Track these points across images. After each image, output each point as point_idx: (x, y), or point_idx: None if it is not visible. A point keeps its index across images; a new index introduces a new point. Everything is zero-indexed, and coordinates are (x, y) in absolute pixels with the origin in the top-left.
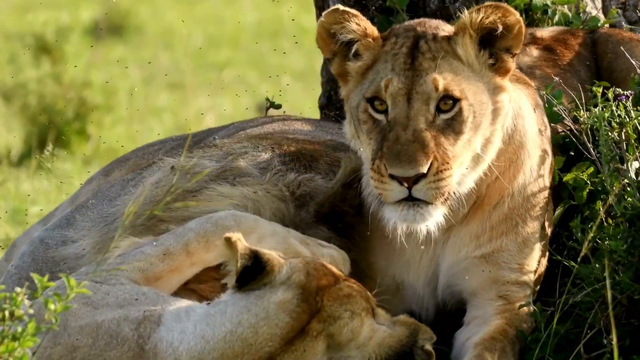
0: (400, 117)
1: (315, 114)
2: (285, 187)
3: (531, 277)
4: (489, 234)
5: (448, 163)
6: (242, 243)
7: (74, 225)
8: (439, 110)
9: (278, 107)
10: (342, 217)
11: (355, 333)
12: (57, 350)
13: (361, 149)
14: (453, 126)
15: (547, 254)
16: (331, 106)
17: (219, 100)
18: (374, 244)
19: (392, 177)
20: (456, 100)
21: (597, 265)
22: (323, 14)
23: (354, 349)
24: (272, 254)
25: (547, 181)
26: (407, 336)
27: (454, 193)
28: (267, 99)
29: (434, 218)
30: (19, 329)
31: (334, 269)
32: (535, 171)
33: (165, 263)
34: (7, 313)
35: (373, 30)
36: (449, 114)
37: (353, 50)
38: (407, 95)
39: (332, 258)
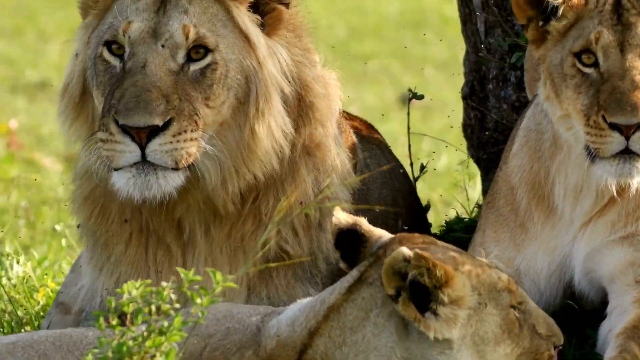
0: (615, 68)
1: (458, 104)
2: None
3: None
4: (624, 220)
5: None
6: None
7: None
8: None
9: (420, 97)
10: None
11: None
12: (191, 340)
13: (558, 110)
14: None
15: None
16: (474, 96)
17: (362, 91)
18: (503, 236)
19: (612, 127)
20: None
21: None
22: None
23: None
24: None
25: None
26: None
27: None
28: (410, 90)
29: None
30: (166, 324)
31: None
32: None
33: None
34: (153, 307)
35: None
36: None
37: (560, 11)
38: (619, 47)
39: None
